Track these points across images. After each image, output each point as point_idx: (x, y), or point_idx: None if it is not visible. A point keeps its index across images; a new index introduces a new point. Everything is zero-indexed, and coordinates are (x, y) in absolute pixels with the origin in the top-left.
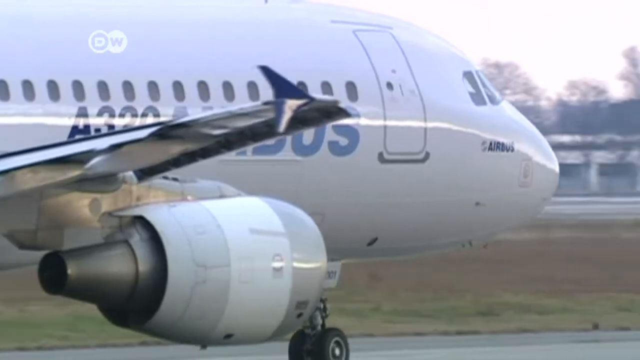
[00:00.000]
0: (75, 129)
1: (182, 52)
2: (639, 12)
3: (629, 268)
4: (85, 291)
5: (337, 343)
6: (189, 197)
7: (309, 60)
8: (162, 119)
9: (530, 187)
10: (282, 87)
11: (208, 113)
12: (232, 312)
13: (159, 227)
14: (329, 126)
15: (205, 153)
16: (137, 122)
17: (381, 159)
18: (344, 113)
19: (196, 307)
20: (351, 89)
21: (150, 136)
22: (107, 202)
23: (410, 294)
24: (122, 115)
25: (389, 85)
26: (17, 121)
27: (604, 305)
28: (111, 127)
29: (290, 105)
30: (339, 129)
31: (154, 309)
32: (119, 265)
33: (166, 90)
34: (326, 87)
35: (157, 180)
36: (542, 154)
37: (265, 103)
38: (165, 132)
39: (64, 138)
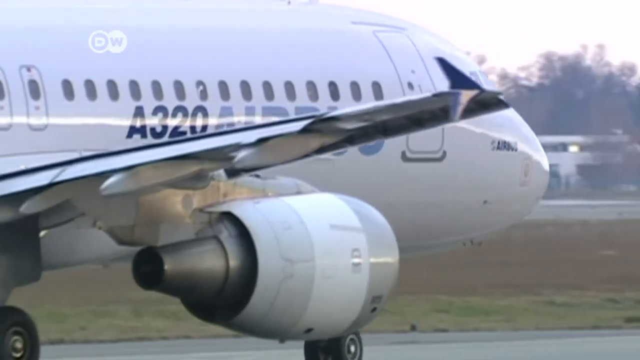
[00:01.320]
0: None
1: (226, 56)
2: None
3: (447, 269)
4: (180, 286)
5: (352, 340)
6: (270, 194)
7: (337, 61)
8: (210, 119)
9: (528, 186)
10: (457, 79)
11: (359, 106)
12: (315, 306)
13: (247, 223)
14: None
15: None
16: (188, 121)
17: (404, 157)
18: (503, 105)
19: (282, 301)
20: (377, 89)
21: (303, 130)
22: (197, 199)
23: None
24: (174, 115)
25: (410, 86)
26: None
27: (422, 307)
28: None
29: (465, 95)
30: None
31: (242, 304)
32: (211, 261)
33: (213, 91)
34: (355, 87)
35: (241, 177)
36: (538, 153)
37: (436, 95)
38: (315, 126)
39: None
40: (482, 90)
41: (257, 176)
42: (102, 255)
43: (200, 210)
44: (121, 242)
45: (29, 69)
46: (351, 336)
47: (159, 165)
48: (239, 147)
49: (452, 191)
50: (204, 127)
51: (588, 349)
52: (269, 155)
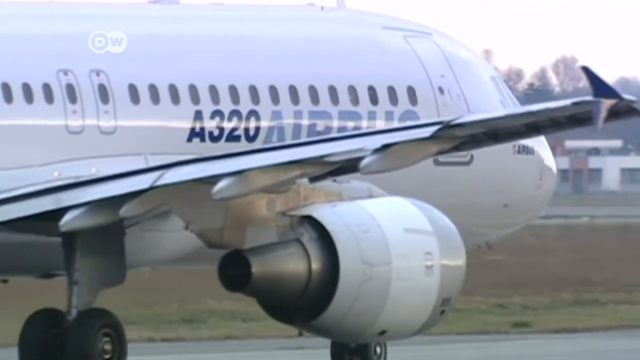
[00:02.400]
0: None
1: (274, 62)
2: None
3: None
4: (265, 289)
5: (378, 343)
6: (344, 197)
7: (374, 66)
8: (262, 122)
9: (542, 190)
10: (599, 87)
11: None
12: (390, 309)
13: (328, 226)
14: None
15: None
16: (242, 125)
17: (436, 161)
18: (636, 112)
19: (361, 304)
20: (411, 94)
21: (432, 136)
22: (280, 202)
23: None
24: (229, 119)
25: (440, 90)
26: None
27: None
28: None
29: (606, 104)
30: None
31: (323, 307)
32: (295, 264)
33: (264, 96)
34: (391, 91)
35: (320, 182)
36: (549, 157)
37: (576, 103)
38: (442, 132)
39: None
40: (622, 99)
41: (334, 179)
42: (159, 258)
43: (283, 213)
44: (211, 244)
45: (97, 73)
46: None
47: (268, 169)
48: (361, 152)
49: (477, 194)
50: (257, 130)
51: (475, 355)
52: (392, 161)
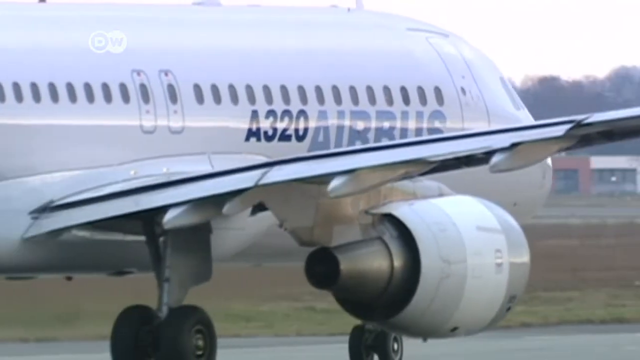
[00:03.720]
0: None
1: (317, 64)
2: None
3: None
4: (351, 286)
5: (395, 339)
6: (418, 196)
7: (404, 67)
8: (310, 122)
9: (543, 189)
10: None
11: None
12: (464, 306)
13: (409, 225)
14: (425, 129)
15: None
16: (293, 125)
17: None
18: None
19: (439, 301)
20: (438, 94)
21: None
22: (363, 201)
23: None
24: (281, 119)
25: (463, 90)
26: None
27: None
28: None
29: None
30: (434, 132)
31: (403, 304)
32: (379, 261)
33: (311, 96)
34: (421, 92)
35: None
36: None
37: None
38: (573, 131)
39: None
40: None
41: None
42: (223, 254)
43: (366, 212)
44: (302, 242)
45: (166, 74)
46: (394, 335)
47: (378, 168)
48: (488, 151)
49: (490, 193)
50: (305, 130)
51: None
52: (519, 159)
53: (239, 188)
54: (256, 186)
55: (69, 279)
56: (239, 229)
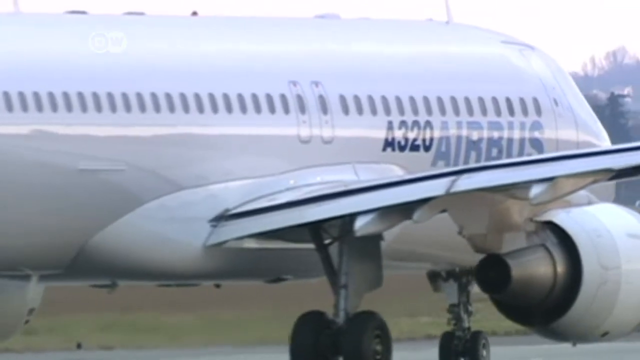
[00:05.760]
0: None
1: (435, 76)
2: None
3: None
4: (520, 292)
5: (484, 345)
6: (571, 204)
7: (506, 78)
8: (435, 132)
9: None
10: None
11: None
12: (617, 311)
13: (570, 232)
14: (527, 139)
15: None
16: (421, 135)
17: None
18: None
19: (596, 307)
20: (536, 105)
21: None
22: (528, 209)
23: None
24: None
25: (555, 102)
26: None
27: (87, 325)
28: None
29: None
30: (534, 142)
31: (563, 309)
32: (544, 267)
33: (435, 106)
34: (522, 103)
35: None
36: None
37: None
38: None
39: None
40: None
41: None
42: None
43: (530, 219)
44: (476, 248)
45: (317, 85)
46: (483, 341)
47: (573, 176)
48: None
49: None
50: (431, 140)
51: None
52: None
53: (429, 196)
54: (447, 194)
55: (218, 286)
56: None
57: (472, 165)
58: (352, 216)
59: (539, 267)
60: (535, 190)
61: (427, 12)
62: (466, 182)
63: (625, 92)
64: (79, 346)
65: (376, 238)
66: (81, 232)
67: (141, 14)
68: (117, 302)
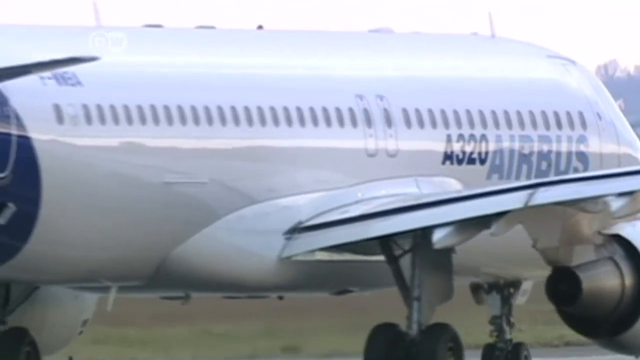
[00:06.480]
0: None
1: (489, 91)
2: None
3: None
4: (589, 305)
5: (526, 357)
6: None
7: (554, 92)
8: (490, 145)
9: None
10: None
11: None
12: None
13: (637, 244)
14: (574, 153)
15: None
16: (477, 148)
17: None
18: None
19: None
20: (582, 119)
21: None
22: (597, 222)
23: None
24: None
25: (598, 116)
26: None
27: (79, 338)
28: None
29: None
30: (580, 156)
31: (630, 322)
32: (612, 280)
33: (489, 120)
34: (569, 116)
35: None
36: None
37: None
38: None
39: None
40: None
41: None
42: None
43: (598, 232)
44: (548, 261)
45: (381, 99)
46: (525, 352)
47: None
48: None
49: None
50: (486, 154)
51: None
52: None
53: (507, 209)
54: (525, 207)
55: (281, 298)
56: None
57: (549, 178)
58: (427, 229)
59: (607, 280)
60: (616, 203)
61: (459, 23)
62: (544, 196)
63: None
64: (70, 359)
65: (448, 250)
66: (164, 244)
67: (212, 27)
68: (109, 315)
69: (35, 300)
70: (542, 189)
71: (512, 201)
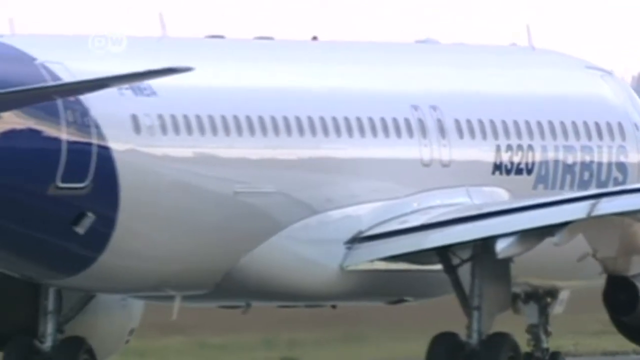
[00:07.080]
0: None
1: (532, 101)
2: None
3: None
4: None
5: None
6: None
7: (594, 103)
8: (536, 156)
9: None
10: None
11: None
12: None
13: None
14: (614, 163)
15: None
16: (524, 159)
17: None
18: None
19: None
20: (621, 129)
21: None
22: None
23: None
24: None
25: (635, 126)
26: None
27: None
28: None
29: None
30: (619, 166)
31: None
32: None
33: (535, 131)
34: (609, 127)
35: None
36: None
37: None
38: None
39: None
40: None
41: None
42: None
43: None
44: (607, 271)
45: (434, 109)
46: None
47: None
48: None
49: None
50: (533, 164)
51: None
52: None
53: (570, 219)
54: (588, 217)
55: (334, 307)
56: None
57: (610, 189)
58: (489, 239)
59: None
60: None
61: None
62: (608, 206)
63: None
64: None
65: (507, 260)
66: (232, 254)
67: (270, 38)
68: None
69: (86, 309)
70: (604, 200)
71: (575, 211)
